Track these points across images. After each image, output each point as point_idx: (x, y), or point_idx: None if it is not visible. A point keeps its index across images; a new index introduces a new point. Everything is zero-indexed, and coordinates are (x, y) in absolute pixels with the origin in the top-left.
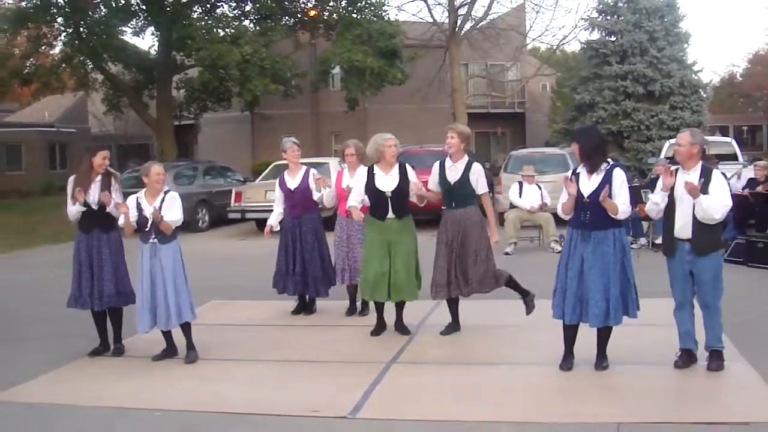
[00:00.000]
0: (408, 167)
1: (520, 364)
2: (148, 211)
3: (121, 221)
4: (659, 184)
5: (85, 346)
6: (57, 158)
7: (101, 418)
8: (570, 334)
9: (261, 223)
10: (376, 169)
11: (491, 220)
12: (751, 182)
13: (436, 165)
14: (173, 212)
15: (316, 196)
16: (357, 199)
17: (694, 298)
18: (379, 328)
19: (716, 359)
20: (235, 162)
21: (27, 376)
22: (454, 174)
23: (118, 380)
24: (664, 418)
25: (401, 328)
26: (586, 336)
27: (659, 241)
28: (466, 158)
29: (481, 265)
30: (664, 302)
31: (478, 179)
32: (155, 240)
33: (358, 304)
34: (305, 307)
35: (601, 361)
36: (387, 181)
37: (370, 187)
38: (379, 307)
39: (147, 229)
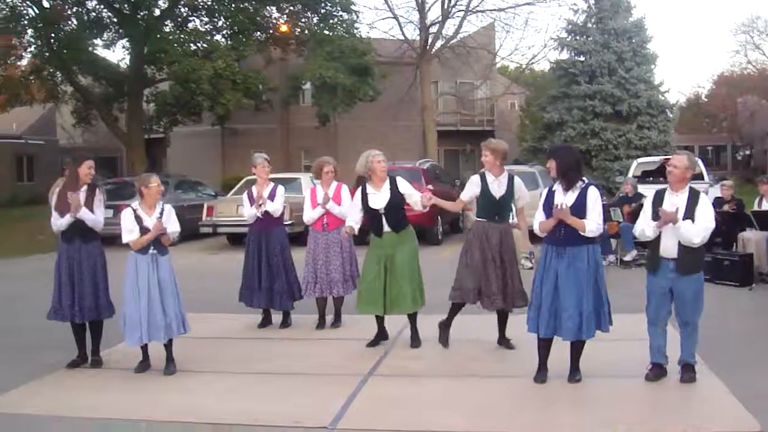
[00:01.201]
0: (399, 179)
1: (495, 376)
2: (148, 223)
3: (127, 236)
4: (647, 208)
5: (63, 357)
6: (24, 170)
7: (82, 429)
8: (544, 348)
9: (232, 237)
10: (368, 188)
11: (525, 231)
12: (718, 201)
13: (476, 178)
14: (173, 224)
15: (276, 215)
16: (355, 218)
17: (668, 317)
18: (378, 338)
19: (689, 371)
20: (205, 176)
21: (7, 387)
22: (499, 188)
23: (99, 392)
24: (636, 429)
25: (415, 338)
26: (560, 350)
27: (627, 258)
28: (506, 172)
29: (519, 281)
30: (634, 317)
31: (522, 193)
32: (155, 251)
33: (329, 317)
34: (282, 321)
35: (575, 374)
36: (378, 198)
37: (364, 206)
38: (378, 320)
39: None
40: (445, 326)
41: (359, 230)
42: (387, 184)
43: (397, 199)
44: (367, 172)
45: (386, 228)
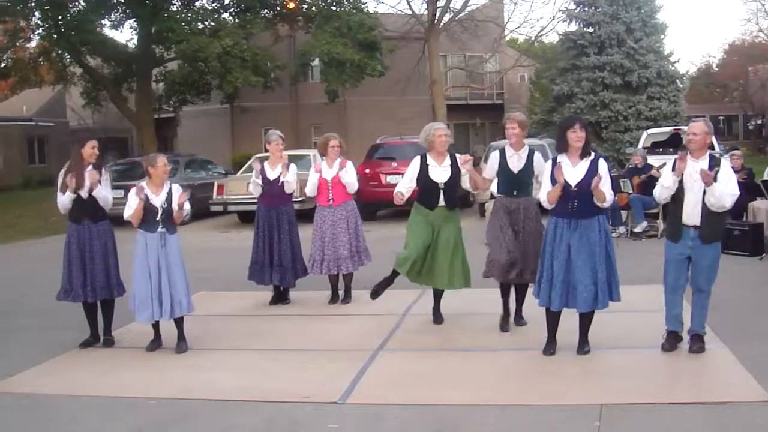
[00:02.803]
0: (458, 157)
1: (504, 349)
2: (156, 201)
3: (128, 212)
4: (667, 169)
5: (75, 337)
6: (36, 152)
7: (96, 407)
8: (553, 321)
9: (243, 215)
10: (429, 159)
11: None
12: None
13: (496, 154)
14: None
15: (289, 188)
16: (407, 186)
17: (686, 284)
18: (384, 285)
19: (698, 342)
20: (215, 154)
21: (21, 367)
22: (517, 163)
23: (110, 370)
24: (645, 399)
25: (436, 317)
26: (569, 322)
27: (638, 229)
28: (526, 147)
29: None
30: (644, 289)
31: (541, 168)
32: (164, 230)
33: (340, 292)
34: (280, 298)
35: (583, 345)
36: (440, 173)
37: (423, 177)
38: (394, 275)
39: (157, 219)
40: None
41: (365, 207)
42: (448, 160)
43: (457, 176)
44: (427, 144)
45: (441, 202)
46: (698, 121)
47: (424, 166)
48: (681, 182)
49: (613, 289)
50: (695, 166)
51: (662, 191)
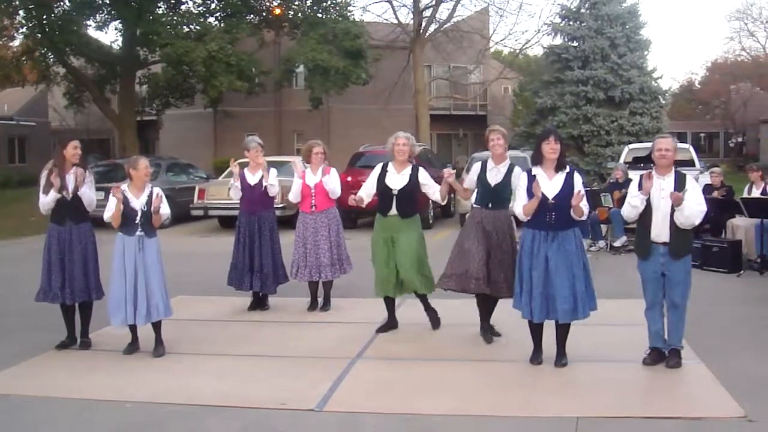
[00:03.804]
0: (421, 170)
1: (481, 360)
2: (136, 204)
3: (107, 213)
4: (633, 187)
5: (52, 339)
6: (16, 152)
7: (72, 409)
8: (538, 330)
9: (224, 220)
10: (390, 167)
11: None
12: (707, 188)
13: (477, 165)
14: (164, 207)
15: (273, 191)
16: (366, 192)
17: (664, 299)
18: (389, 325)
19: (675, 357)
20: (197, 159)
21: None
22: (495, 176)
23: (87, 373)
24: (621, 413)
25: (433, 319)
26: (545, 334)
27: (617, 244)
28: (508, 161)
29: (511, 272)
30: (622, 303)
31: (520, 183)
32: (142, 233)
33: (319, 300)
34: (259, 303)
35: (561, 358)
36: (396, 180)
37: (380, 183)
38: (389, 304)
39: (136, 222)
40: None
41: (346, 214)
42: (408, 170)
43: (412, 187)
44: (389, 152)
45: (393, 211)
46: (667, 137)
47: (383, 173)
48: (648, 200)
49: (590, 299)
50: (662, 184)
51: (630, 210)
